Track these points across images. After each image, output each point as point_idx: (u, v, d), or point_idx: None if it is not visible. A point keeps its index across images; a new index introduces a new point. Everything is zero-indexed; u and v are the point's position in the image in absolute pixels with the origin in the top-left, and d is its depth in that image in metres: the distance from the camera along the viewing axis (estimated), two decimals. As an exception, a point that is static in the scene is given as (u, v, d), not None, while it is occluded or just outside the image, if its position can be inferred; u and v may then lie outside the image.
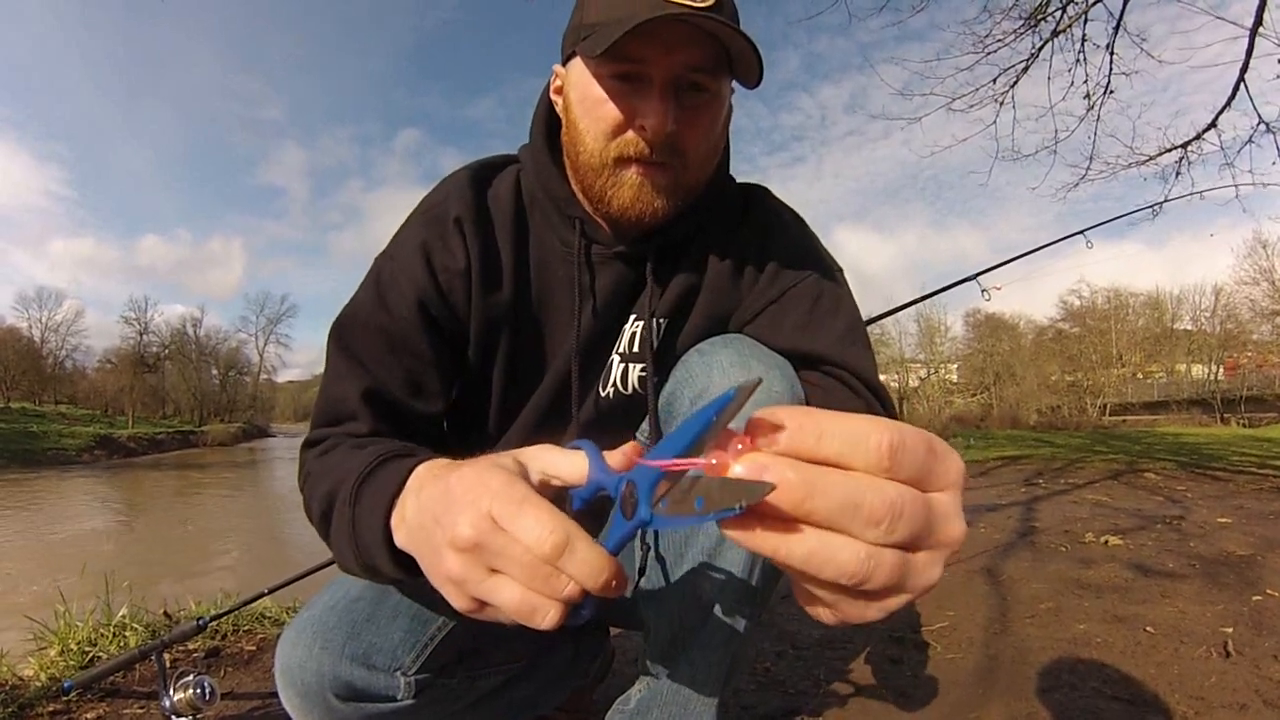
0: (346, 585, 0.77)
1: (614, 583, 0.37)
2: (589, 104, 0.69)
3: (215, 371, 57.02)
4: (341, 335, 0.75)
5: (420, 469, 0.53)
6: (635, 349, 0.81)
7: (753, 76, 0.67)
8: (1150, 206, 2.74)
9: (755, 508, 0.27)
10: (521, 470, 0.44)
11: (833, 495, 0.27)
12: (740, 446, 0.28)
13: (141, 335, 51.31)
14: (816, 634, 1.85)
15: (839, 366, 0.75)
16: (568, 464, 0.43)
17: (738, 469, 0.28)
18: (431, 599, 0.77)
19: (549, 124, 0.79)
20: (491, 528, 0.39)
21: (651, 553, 0.76)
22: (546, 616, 0.38)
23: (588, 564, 0.36)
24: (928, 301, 2.20)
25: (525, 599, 0.38)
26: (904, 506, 0.27)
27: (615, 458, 0.42)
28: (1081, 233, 2.16)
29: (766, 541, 0.28)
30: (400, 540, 0.51)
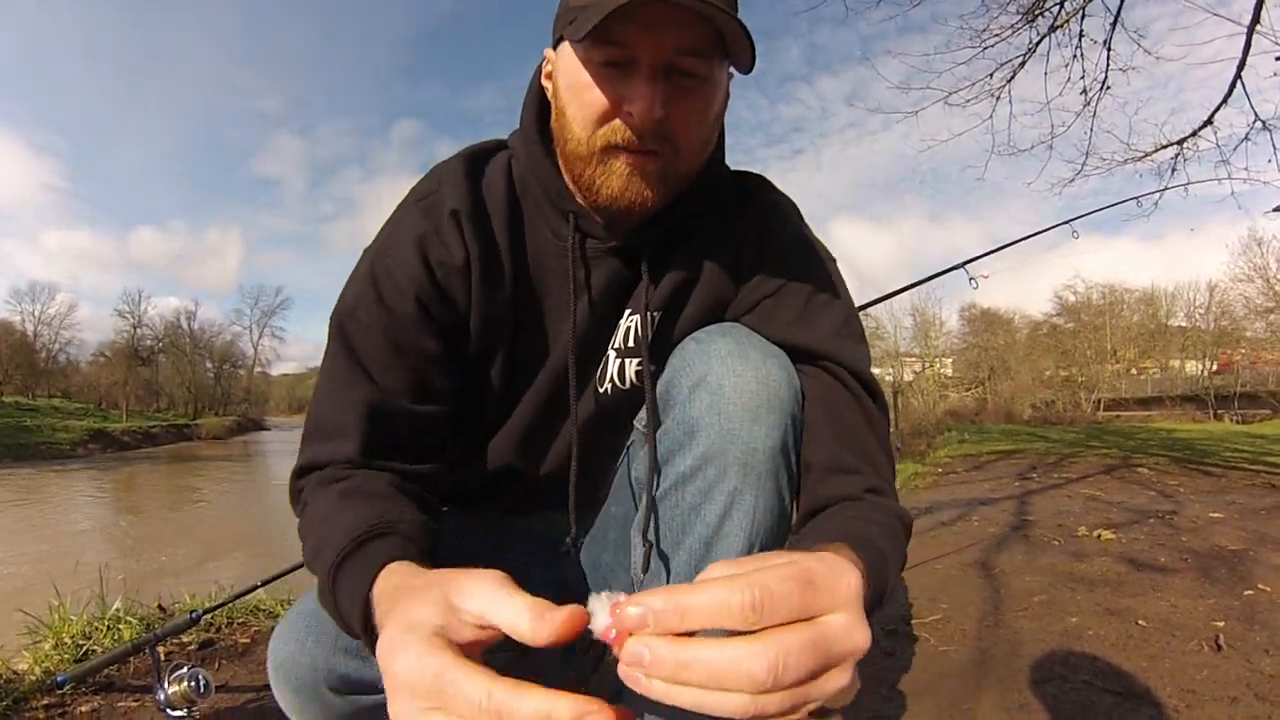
0: None
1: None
2: (575, 90, 0.67)
3: (210, 365, 56.84)
4: (344, 334, 0.72)
5: (376, 593, 0.53)
6: (631, 344, 0.80)
7: (744, 60, 0.65)
8: (1135, 199, 2.74)
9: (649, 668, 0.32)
10: (448, 620, 0.41)
11: (702, 669, 0.31)
12: (613, 633, 0.33)
13: (135, 328, 51.16)
14: (811, 627, 1.86)
15: (833, 361, 0.75)
16: (509, 612, 0.38)
17: (622, 655, 0.33)
18: None
19: (540, 111, 0.77)
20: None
21: (653, 549, 0.76)
22: None
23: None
24: (923, 296, 2.22)
25: None
26: (788, 660, 0.31)
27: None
28: (1068, 222, 2.17)
29: (655, 689, 0.32)
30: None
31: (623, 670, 0.34)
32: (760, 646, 0.31)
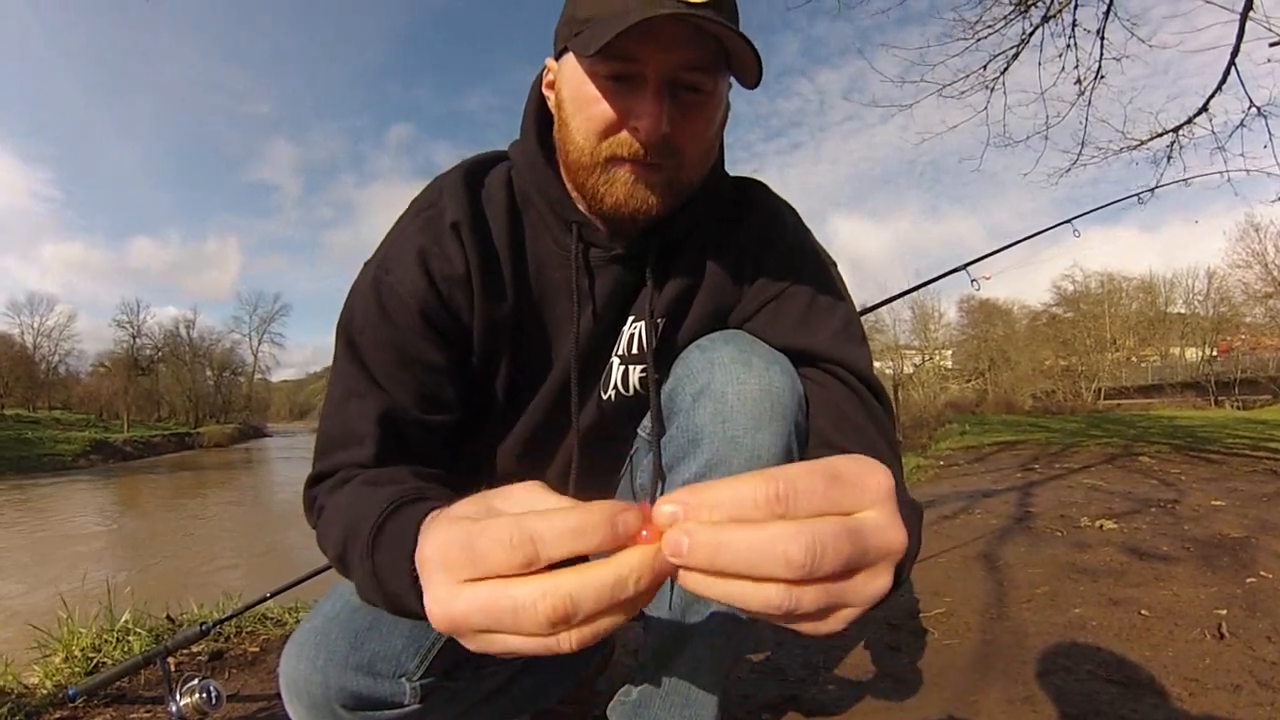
0: (348, 593, 0.77)
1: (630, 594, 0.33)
2: (581, 102, 0.68)
3: (209, 373, 56.70)
4: (353, 346, 0.73)
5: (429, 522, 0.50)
6: (635, 351, 0.81)
7: (751, 77, 0.65)
8: (1136, 195, 2.73)
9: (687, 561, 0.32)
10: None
11: (738, 552, 0.30)
12: (645, 534, 0.33)
13: (134, 338, 51.02)
14: (816, 624, 1.87)
15: (836, 363, 0.76)
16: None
17: (664, 545, 0.32)
18: None
19: (540, 119, 0.78)
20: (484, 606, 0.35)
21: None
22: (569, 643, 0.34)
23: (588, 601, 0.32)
24: (921, 289, 2.21)
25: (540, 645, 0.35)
26: (824, 544, 0.30)
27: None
28: (1069, 221, 2.16)
29: (692, 582, 0.32)
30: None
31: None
32: (796, 528, 0.30)
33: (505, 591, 0.33)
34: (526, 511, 0.35)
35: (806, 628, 0.34)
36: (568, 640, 0.33)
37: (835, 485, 0.32)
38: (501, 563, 0.33)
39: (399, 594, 0.53)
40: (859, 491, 0.33)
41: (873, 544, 0.32)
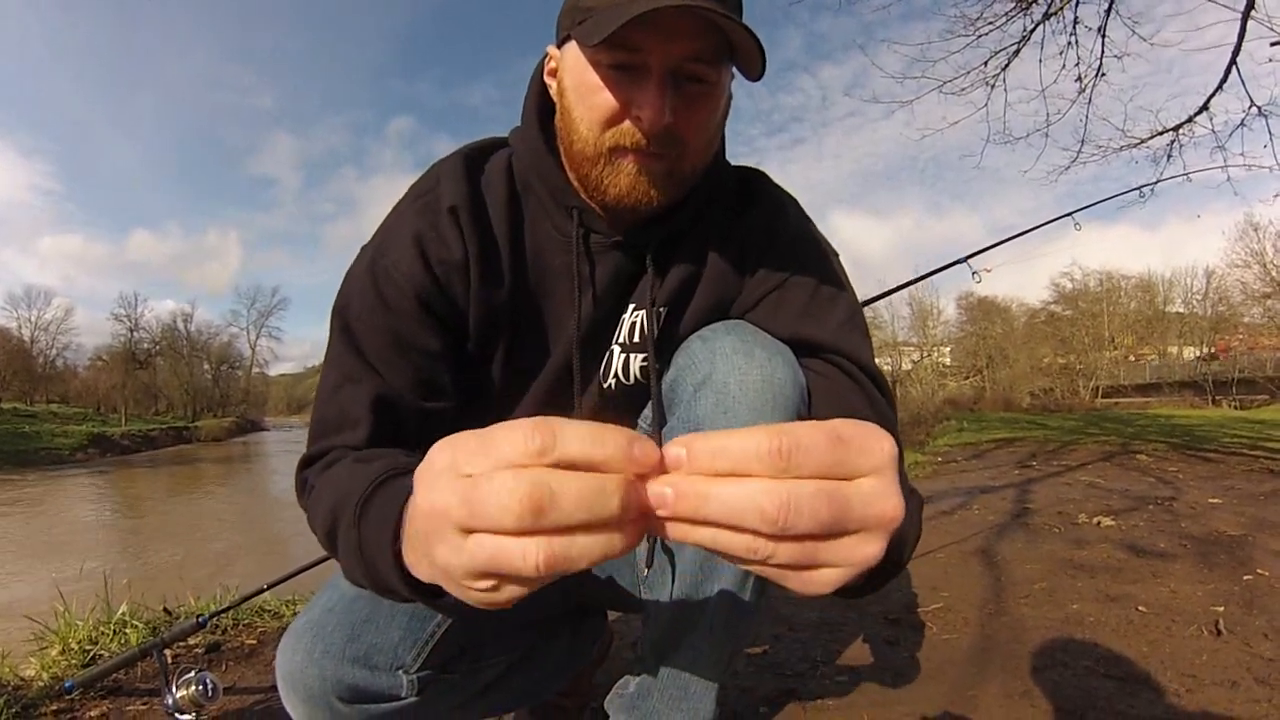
0: (344, 586, 0.77)
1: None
2: (584, 91, 0.67)
3: (207, 366, 56.72)
4: (348, 331, 0.72)
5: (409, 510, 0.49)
6: (636, 339, 0.80)
7: (755, 69, 0.65)
8: (1138, 189, 2.73)
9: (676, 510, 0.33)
10: None
11: (723, 501, 0.31)
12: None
13: (132, 332, 50.99)
14: (813, 616, 1.87)
15: (838, 354, 0.75)
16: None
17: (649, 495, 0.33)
18: None
19: (542, 108, 0.77)
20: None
21: (658, 543, 0.76)
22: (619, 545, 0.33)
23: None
24: (920, 285, 2.22)
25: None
26: (800, 504, 0.31)
27: None
28: (1070, 215, 2.16)
29: (675, 530, 0.33)
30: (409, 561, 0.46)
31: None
32: (776, 485, 0.31)
33: (489, 471, 0.32)
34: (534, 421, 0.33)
35: (793, 583, 0.35)
36: (534, 551, 0.31)
37: (839, 446, 0.32)
38: (517, 447, 0.31)
39: (380, 567, 0.52)
40: (861, 455, 0.33)
41: (859, 510, 0.32)
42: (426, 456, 0.38)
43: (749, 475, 0.31)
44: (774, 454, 0.31)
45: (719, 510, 0.31)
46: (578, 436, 0.32)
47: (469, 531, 0.33)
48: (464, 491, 0.32)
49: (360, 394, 0.70)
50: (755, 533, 0.31)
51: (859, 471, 0.33)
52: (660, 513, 0.33)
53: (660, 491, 0.32)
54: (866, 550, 0.33)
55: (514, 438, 0.32)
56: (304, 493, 0.69)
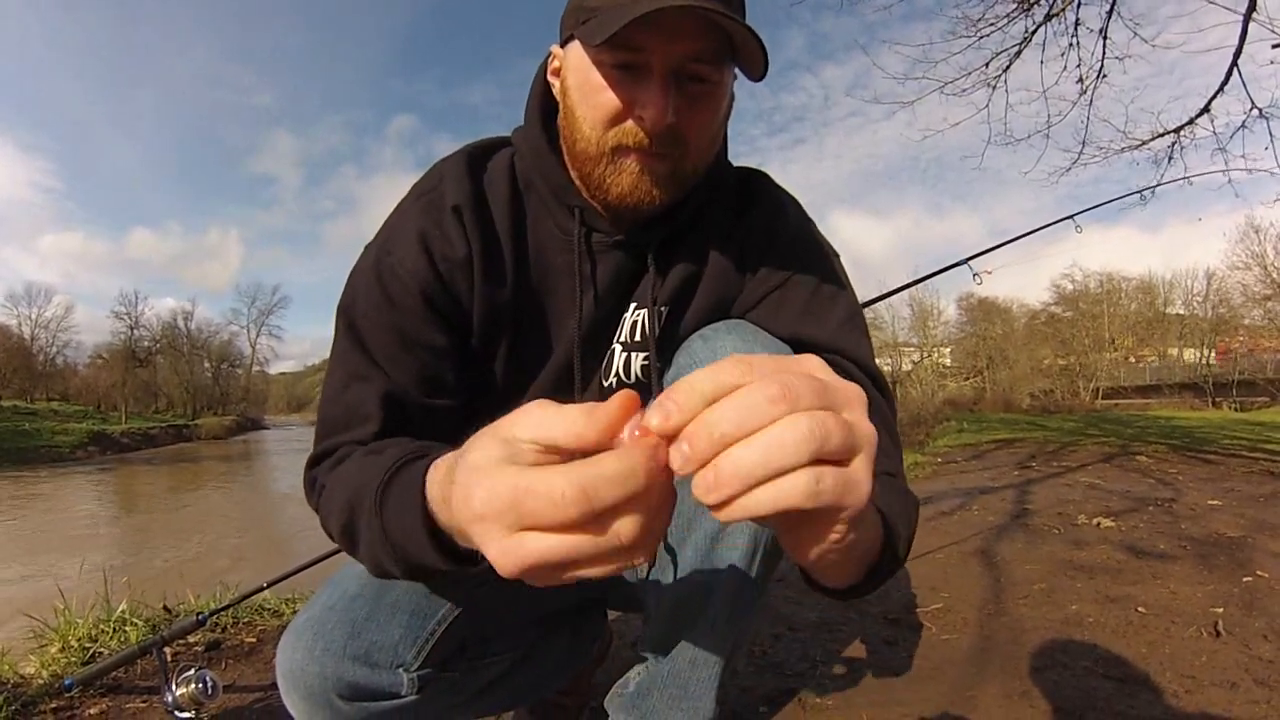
0: (345, 584, 0.77)
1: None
2: (587, 91, 0.68)
3: (207, 365, 56.67)
4: (354, 329, 0.73)
5: (430, 485, 0.50)
6: (637, 338, 0.81)
7: (757, 69, 0.65)
8: (1139, 192, 2.74)
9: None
10: (510, 451, 0.38)
11: (755, 456, 0.31)
12: (638, 434, 0.34)
13: (132, 330, 50.95)
14: (813, 616, 1.87)
15: (839, 354, 0.75)
16: (563, 423, 0.36)
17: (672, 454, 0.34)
18: (430, 592, 0.77)
19: (544, 107, 0.77)
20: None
21: (661, 544, 0.76)
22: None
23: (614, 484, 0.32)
24: (920, 285, 2.23)
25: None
26: (826, 423, 0.32)
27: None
28: (1071, 217, 2.17)
29: (732, 510, 0.33)
30: (445, 519, 0.48)
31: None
32: (794, 414, 0.32)
33: (526, 482, 0.34)
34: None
35: (813, 552, 0.38)
36: (621, 531, 0.33)
37: (824, 390, 0.34)
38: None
39: (410, 547, 0.53)
40: (842, 393, 0.35)
41: (857, 431, 0.34)
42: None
43: (764, 426, 0.32)
44: (777, 400, 0.32)
45: (758, 466, 0.31)
46: (582, 414, 0.34)
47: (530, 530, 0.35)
48: (511, 491, 0.34)
49: (369, 391, 0.70)
50: (800, 467, 0.32)
51: (843, 408, 0.35)
52: (709, 500, 0.33)
53: (705, 479, 0.32)
54: (867, 479, 0.35)
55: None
56: (314, 491, 0.69)
